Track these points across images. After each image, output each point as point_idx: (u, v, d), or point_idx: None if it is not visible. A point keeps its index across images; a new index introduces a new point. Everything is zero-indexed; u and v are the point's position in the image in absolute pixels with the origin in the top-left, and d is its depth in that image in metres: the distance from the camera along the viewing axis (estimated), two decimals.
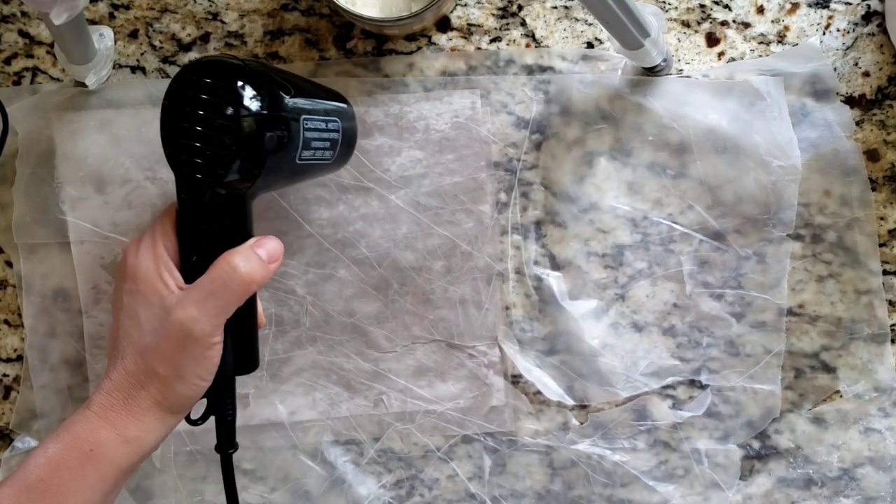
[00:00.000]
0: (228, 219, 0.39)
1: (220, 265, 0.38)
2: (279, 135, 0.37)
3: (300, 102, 0.38)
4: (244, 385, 0.53)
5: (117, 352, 0.39)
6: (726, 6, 0.52)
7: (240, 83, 0.36)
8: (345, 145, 0.43)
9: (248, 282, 0.38)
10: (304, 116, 0.38)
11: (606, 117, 0.52)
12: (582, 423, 0.53)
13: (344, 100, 0.44)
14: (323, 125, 0.40)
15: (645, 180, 0.52)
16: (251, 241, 0.39)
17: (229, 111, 0.35)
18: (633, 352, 0.52)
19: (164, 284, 0.39)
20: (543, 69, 0.52)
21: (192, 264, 0.39)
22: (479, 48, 0.53)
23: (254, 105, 0.36)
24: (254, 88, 0.36)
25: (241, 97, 0.36)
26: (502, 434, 0.53)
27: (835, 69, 0.52)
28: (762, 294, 0.52)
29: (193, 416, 0.42)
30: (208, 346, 0.38)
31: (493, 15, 0.52)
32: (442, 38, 0.53)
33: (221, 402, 0.41)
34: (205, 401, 0.42)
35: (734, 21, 0.52)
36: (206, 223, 0.39)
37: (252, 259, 0.38)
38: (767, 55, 0.52)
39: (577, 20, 0.52)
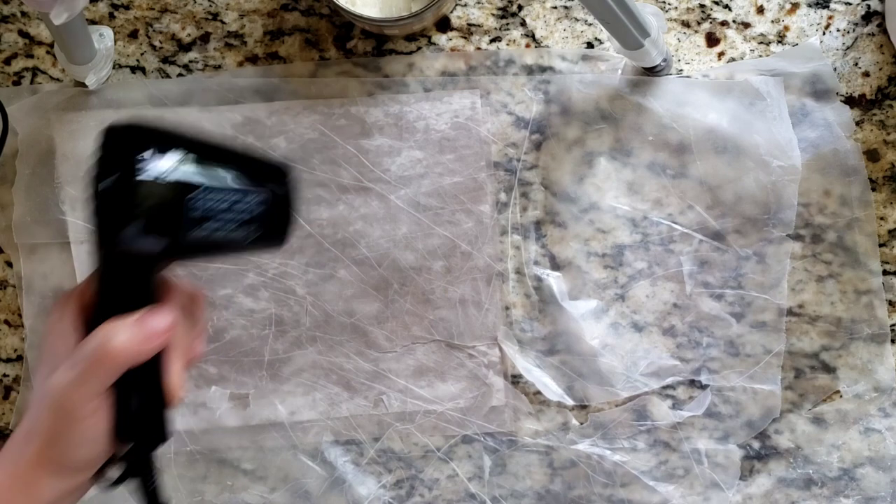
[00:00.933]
0: (129, 288, 0.38)
1: (95, 335, 0.37)
2: (144, 210, 0.34)
3: (189, 176, 0.36)
4: (244, 385, 0.53)
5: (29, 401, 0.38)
6: (726, 6, 0.52)
7: (113, 155, 0.34)
8: (266, 226, 0.39)
9: (116, 356, 0.36)
10: (192, 192, 0.35)
11: (606, 117, 0.52)
12: (582, 424, 0.53)
13: (279, 176, 0.41)
14: (226, 204, 0.37)
15: (645, 180, 0.52)
16: (136, 314, 0.37)
17: (102, 182, 0.34)
18: (633, 352, 0.52)
19: (59, 344, 0.38)
20: (543, 69, 0.52)
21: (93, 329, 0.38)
22: (479, 48, 0.53)
23: (120, 177, 0.34)
24: (124, 160, 0.34)
25: (109, 170, 0.34)
26: (502, 434, 0.53)
27: (835, 69, 0.52)
28: (762, 294, 0.52)
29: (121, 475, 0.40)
30: (79, 416, 0.36)
31: (493, 15, 0.52)
32: (442, 38, 0.53)
33: (136, 470, 0.39)
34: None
35: (734, 21, 0.52)
36: (105, 290, 0.38)
37: (125, 334, 0.36)
38: (767, 55, 0.52)
39: (577, 20, 0.52)
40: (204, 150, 0.37)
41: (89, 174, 0.35)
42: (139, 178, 0.34)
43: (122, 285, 0.37)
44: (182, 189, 0.35)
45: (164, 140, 0.36)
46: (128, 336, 0.36)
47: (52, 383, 0.37)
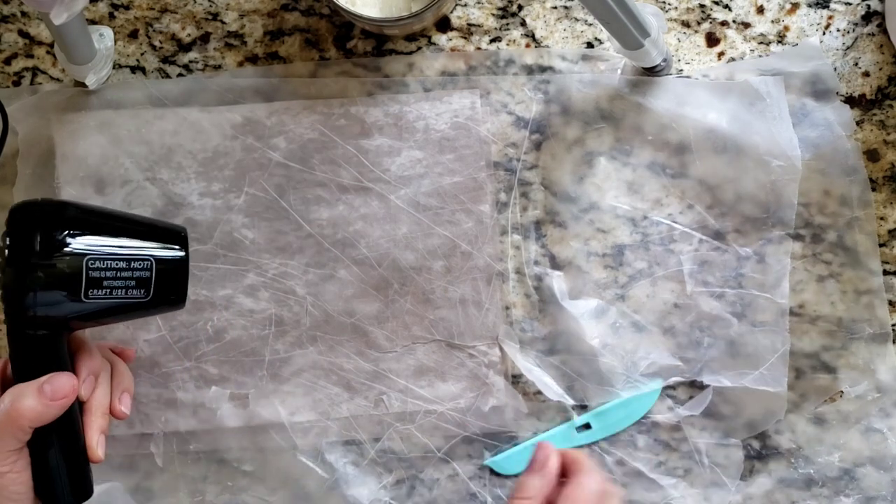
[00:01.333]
0: (37, 352, 0.41)
1: (2, 399, 0.39)
2: (42, 276, 0.38)
3: (85, 242, 0.39)
4: (244, 386, 0.53)
5: None
6: (726, 6, 0.52)
7: (14, 229, 0.38)
8: (164, 285, 0.42)
9: (19, 417, 0.38)
10: (88, 257, 0.39)
11: (606, 117, 0.52)
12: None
13: (173, 238, 0.44)
14: (123, 264, 0.40)
15: (645, 180, 0.52)
16: (43, 378, 0.40)
17: (4, 254, 0.38)
18: (633, 352, 0.52)
19: None
20: (543, 69, 0.52)
21: None
22: (479, 48, 0.53)
23: (19, 249, 0.38)
24: (24, 234, 0.38)
25: (11, 243, 0.38)
26: (503, 434, 0.53)
27: (835, 69, 0.52)
28: (763, 294, 0.52)
29: None
30: None
31: (493, 15, 0.52)
32: (442, 38, 0.53)
33: None
34: None
35: (734, 21, 0.52)
36: (15, 355, 0.41)
37: (30, 396, 0.39)
38: (767, 55, 0.52)
39: (577, 20, 0.52)
40: (101, 220, 0.41)
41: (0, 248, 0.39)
42: (37, 247, 0.38)
43: (30, 350, 0.40)
44: (79, 254, 0.39)
45: (62, 214, 0.40)
46: (32, 398, 0.39)
47: None
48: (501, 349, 0.53)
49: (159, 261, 0.42)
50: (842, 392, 0.52)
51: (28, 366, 0.40)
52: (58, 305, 0.39)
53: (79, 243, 0.39)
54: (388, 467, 0.53)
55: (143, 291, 0.41)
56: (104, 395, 0.43)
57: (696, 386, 0.53)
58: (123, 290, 0.41)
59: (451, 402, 0.53)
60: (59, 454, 0.41)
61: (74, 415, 0.41)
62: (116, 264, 0.40)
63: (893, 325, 0.52)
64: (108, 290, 0.40)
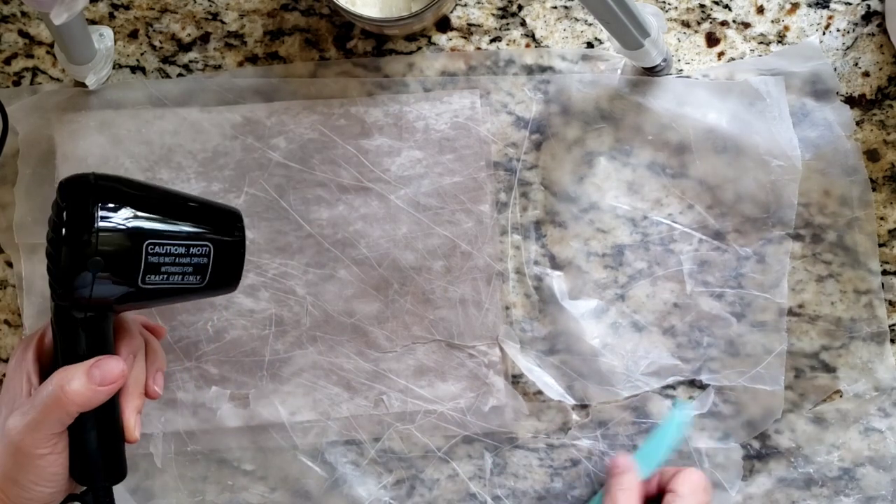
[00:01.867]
0: (84, 334, 0.39)
1: (50, 380, 0.39)
2: (101, 259, 0.36)
3: (145, 225, 0.38)
4: (244, 385, 0.53)
5: None
6: (726, 6, 0.52)
7: (71, 206, 0.36)
8: (220, 271, 0.41)
9: (68, 402, 0.38)
10: (148, 241, 0.37)
11: (606, 117, 0.52)
12: (583, 424, 0.53)
13: (231, 223, 0.42)
14: (182, 249, 0.39)
15: (645, 180, 0.52)
16: (90, 360, 0.39)
17: (60, 232, 0.36)
18: (633, 351, 0.52)
19: (18, 387, 0.40)
20: (543, 69, 0.52)
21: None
22: (479, 48, 0.53)
23: (77, 227, 0.36)
24: (82, 211, 0.36)
25: (67, 220, 0.36)
26: (503, 434, 0.53)
27: (835, 69, 0.52)
28: (762, 293, 0.52)
29: None
30: (36, 457, 0.38)
31: (493, 15, 0.52)
32: (442, 38, 0.53)
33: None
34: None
35: (734, 21, 0.52)
36: (62, 336, 0.40)
37: (78, 380, 0.38)
38: (767, 55, 0.52)
39: (577, 20, 0.52)
40: (159, 200, 0.39)
41: (48, 223, 0.37)
42: (98, 225, 0.36)
43: (77, 332, 0.39)
44: (140, 236, 0.37)
45: (120, 191, 0.38)
46: (81, 382, 0.38)
47: (10, 426, 0.39)
48: (501, 349, 0.53)
49: (217, 246, 0.40)
50: (840, 392, 0.52)
51: (74, 346, 0.39)
52: (112, 288, 0.37)
53: (139, 225, 0.37)
54: (388, 467, 0.53)
55: (199, 277, 0.40)
56: (141, 374, 0.42)
57: (695, 385, 0.53)
58: (180, 276, 0.39)
59: (452, 402, 0.53)
60: (97, 436, 0.40)
61: (114, 396, 0.40)
62: (176, 249, 0.39)
63: (892, 325, 0.52)
64: (166, 276, 0.38)
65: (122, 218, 0.37)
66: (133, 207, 0.37)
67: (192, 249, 0.39)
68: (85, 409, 0.39)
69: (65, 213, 0.36)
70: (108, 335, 0.40)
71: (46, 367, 0.41)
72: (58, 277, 0.37)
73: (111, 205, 0.37)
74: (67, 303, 0.38)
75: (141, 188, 0.39)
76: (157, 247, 0.38)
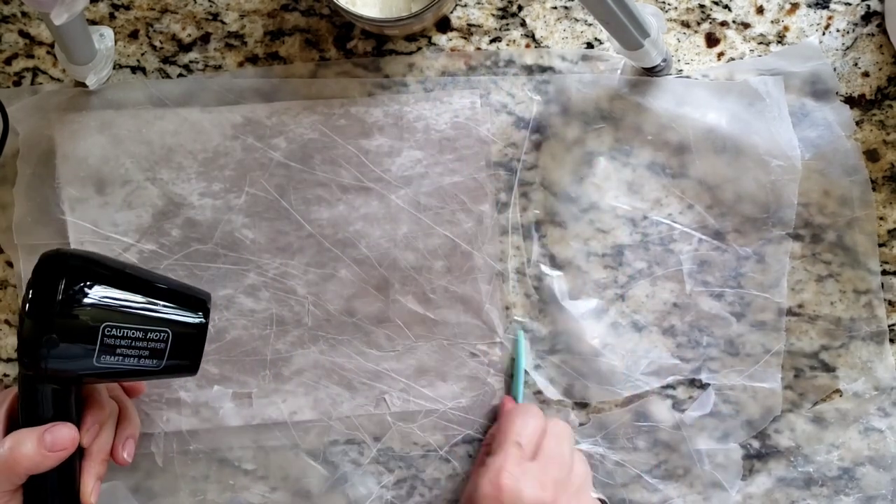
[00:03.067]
0: (45, 401, 0.41)
1: (4, 441, 0.40)
2: (56, 337, 0.38)
3: (105, 307, 0.39)
4: (246, 385, 0.53)
5: None
6: (726, 6, 0.52)
7: (39, 281, 0.38)
8: (177, 356, 0.42)
9: (16, 464, 0.39)
10: (105, 323, 0.39)
11: (606, 117, 0.52)
12: (582, 424, 0.53)
13: (194, 308, 0.43)
14: (139, 333, 0.40)
15: (644, 180, 0.52)
16: (44, 426, 0.40)
17: (24, 305, 0.38)
18: (633, 351, 0.53)
19: None
20: (543, 69, 0.52)
21: None
22: (479, 48, 0.53)
23: (39, 303, 0.38)
24: (47, 288, 0.38)
25: (32, 294, 0.38)
26: None
27: (834, 69, 0.52)
28: (762, 293, 0.52)
29: None
30: None
31: (493, 15, 0.53)
32: (442, 39, 0.53)
33: None
34: None
35: (734, 21, 0.52)
36: (24, 399, 0.41)
37: (30, 443, 0.39)
38: (767, 55, 0.52)
39: (577, 20, 0.52)
40: (126, 282, 0.41)
41: (23, 297, 0.39)
42: (58, 303, 0.38)
43: (38, 398, 0.41)
44: (97, 318, 0.39)
45: (89, 271, 0.39)
46: (31, 446, 0.39)
47: None
48: (502, 349, 0.53)
49: (176, 332, 0.41)
50: (840, 391, 0.53)
51: (35, 413, 0.41)
52: (69, 362, 0.39)
53: (99, 305, 0.39)
54: (389, 466, 0.54)
55: (154, 362, 0.41)
56: (107, 442, 0.44)
57: (695, 385, 0.53)
58: (135, 360, 0.40)
59: (452, 401, 0.53)
60: (53, 498, 0.41)
61: (73, 460, 0.42)
62: (133, 333, 0.40)
63: (892, 325, 0.52)
64: (121, 358, 0.40)
65: (84, 298, 0.39)
66: (98, 287, 0.39)
67: (149, 334, 0.41)
68: (33, 472, 0.40)
69: (31, 288, 0.38)
70: (69, 404, 0.42)
71: (14, 425, 0.42)
72: (19, 346, 0.39)
73: (77, 285, 0.38)
74: (29, 372, 0.40)
75: (111, 269, 0.41)
76: (114, 329, 0.39)
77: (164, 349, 0.41)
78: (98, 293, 0.39)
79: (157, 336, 0.41)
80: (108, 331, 0.39)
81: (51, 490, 0.41)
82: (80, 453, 0.42)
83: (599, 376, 0.52)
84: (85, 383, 0.43)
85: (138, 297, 0.41)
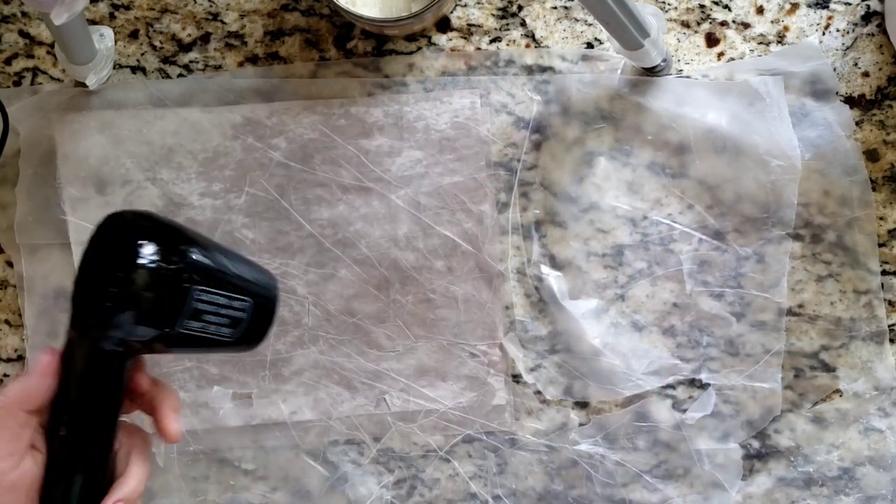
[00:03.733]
0: (98, 376, 0.36)
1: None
2: (150, 296, 0.34)
3: (195, 271, 0.36)
4: (246, 385, 0.53)
5: None
6: (726, 6, 0.52)
7: (125, 238, 0.34)
8: (252, 328, 0.39)
9: (7, 403, 0.34)
10: (197, 286, 0.35)
11: (606, 117, 0.52)
12: (582, 424, 0.53)
13: (271, 283, 0.41)
14: (225, 301, 0.37)
15: (644, 180, 0.52)
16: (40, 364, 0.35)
17: (109, 264, 0.34)
18: (633, 351, 0.53)
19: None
20: (543, 69, 0.52)
21: (57, 417, 0.37)
22: (479, 48, 0.53)
23: (127, 262, 0.34)
24: (134, 245, 0.34)
25: (120, 253, 0.34)
26: (503, 433, 0.53)
27: (834, 69, 0.52)
28: (762, 293, 0.52)
29: None
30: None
31: (493, 15, 0.53)
32: (442, 39, 0.53)
33: None
34: None
35: (734, 21, 0.52)
36: (73, 375, 0.36)
37: (15, 382, 0.35)
38: (767, 55, 0.52)
39: (577, 20, 0.52)
40: (207, 248, 0.37)
41: (85, 255, 0.34)
42: (142, 262, 0.33)
43: (93, 374, 0.36)
44: (191, 279, 0.35)
45: (169, 231, 0.35)
46: (17, 383, 0.35)
47: None
48: (502, 349, 0.53)
49: (257, 303, 0.39)
50: (840, 391, 0.53)
51: (85, 389, 0.36)
52: (143, 328, 0.35)
53: (193, 266, 0.35)
54: (389, 467, 0.54)
55: (231, 331, 0.38)
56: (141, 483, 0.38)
57: (695, 385, 0.53)
58: (216, 327, 0.37)
59: (452, 401, 0.53)
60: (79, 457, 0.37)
61: (107, 437, 0.37)
62: (220, 300, 0.37)
63: (892, 325, 0.52)
64: (204, 325, 0.36)
65: (177, 257, 0.35)
66: (192, 249, 0.36)
67: (234, 303, 0.38)
68: (27, 405, 0.35)
69: (105, 246, 0.34)
70: (121, 383, 0.37)
71: (49, 409, 0.37)
72: (85, 305, 0.34)
73: (171, 243, 0.35)
74: (93, 332, 0.35)
75: (198, 234, 0.37)
76: (203, 293, 0.36)
77: (243, 319, 0.39)
78: (192, 254, 0.35)
79: (240, 305, 0.38)
80: (197, 294, 0.35)
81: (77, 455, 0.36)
82: (113, 432, 0.38)
83: (599, 376, 0.52)
84: (153, 351, 0.38)
85: (227, 264, 0.38)
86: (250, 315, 0.39)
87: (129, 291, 0.34)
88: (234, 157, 0.52)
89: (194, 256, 0.36)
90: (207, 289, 0.36)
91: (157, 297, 0.34)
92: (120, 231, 0.35)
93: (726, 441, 0.53)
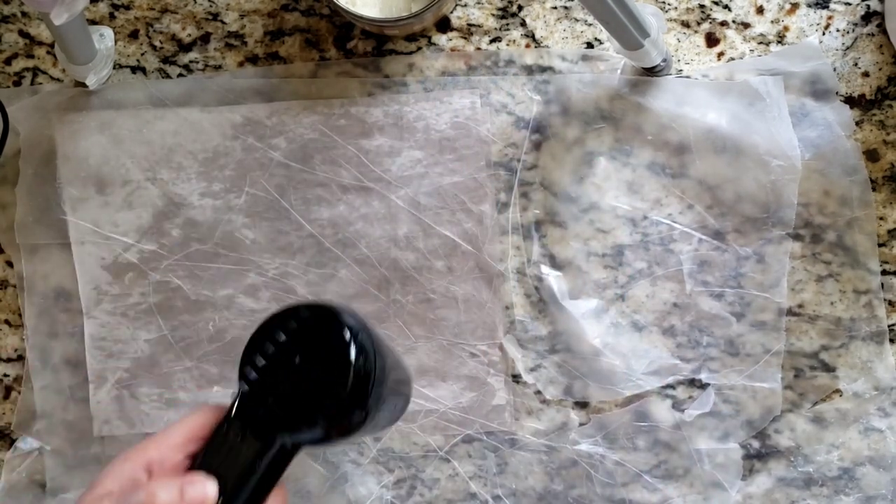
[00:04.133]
0: (266, 466, 0.35)
1: (146, 484, 0.34)
2: (382, 395, 0.34)
3: (380, 363, 0.35)
4: None
5: None
6: (726, 6, 0.52)
7: (356, 340, 0.34)
8: (395, 420, 0.40)
9: None
10: (383, 379, 0.34)
11: (606, 117, 0.52)
12: (582, 424, 0.53)
13: (406, 374, 0.40)
14: (398, 400, 0.37)
15: (644, 180, 0.52)
16: (186, 477, 0.34)
17: (357, 360, 0.33)
18: (633, 351, 0.53)
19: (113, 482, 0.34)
20: (543, 69, 0.52)
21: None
22: (479, 48, 0.53)
23: (368, 359, 0.33)
24: (364, 350, 0.33)
25: (310, 346, 0.33)
26: (503, 433, 0.53)
27: (834, 69, 0.52)
28: (762, 293, 0.52)
29: None
30: None
31: (493, 15, 0.53)
32: (442, 39, 0.53)
33: None
34: None
35: (734, 21, 0.52)
36: (242, 462, 0.35)
37: (165, 490, 0.34)
38: (767, 55, 0.52)
39: (577, 20, 0.52)
40: (374, 337, 0.35)
41: (283, 353, 0.33)
42: (353, 358, 0.32)
43: (261, 464, 0.35)
44: (386, 377, 0.34)
45: (351, 322, 0.34)
46: (166, 494, 0.33)
47: None
48: (502, 349, 0.53)
49: (407, 396, 0.39)
50: (840, 391, 0.53)
51: (261, 474, 0.35)
52: (335, 438, 0.34)
53: (378, 359, 0.34)
54: (389, 466, 0.54)
55: (387, 421, 0.38)
56: None
57: (695, 385, 0.53)
58: (385, 416, 0.36)
59: (452, 401, 0.53)
60: None
61: None
62: (391, 399, 0.36)
63: (892, 325, 0.52)
64: (375, 424, 0.35)
65: (366, 351, 0.34)
66: (368, 342, 0.34)
67: (398, 402, 0.37)
68: None
69: (303, 340, 0.33)
70: (279, 471, 0.36)
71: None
72: (330, 407, 0.33)
73: (352, 335, 0.34)
74: (271, 430, 0.34)
75: (362, 322, 0.36)
76: (390, 395, 0.35)
77: (399, 411, 0.39)
78: (370, 346, 0.34)
79: (396, 402, 0.38)
80: (379, 387, 0.34)
81: None
82: None
83: (599, 376, 0.52)
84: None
85: (387, 356, 0.36)
86: (398, 408, 0.39)
87: (373, 390, 0.33)
88: (234, 157, 0.52)
89: (373, 349, 0.34)
90: (385, 381, 0.35)
91: (363, 391, 0.33)
92: (310, 322, 0.34)
93: (726, 441, 0.53)
